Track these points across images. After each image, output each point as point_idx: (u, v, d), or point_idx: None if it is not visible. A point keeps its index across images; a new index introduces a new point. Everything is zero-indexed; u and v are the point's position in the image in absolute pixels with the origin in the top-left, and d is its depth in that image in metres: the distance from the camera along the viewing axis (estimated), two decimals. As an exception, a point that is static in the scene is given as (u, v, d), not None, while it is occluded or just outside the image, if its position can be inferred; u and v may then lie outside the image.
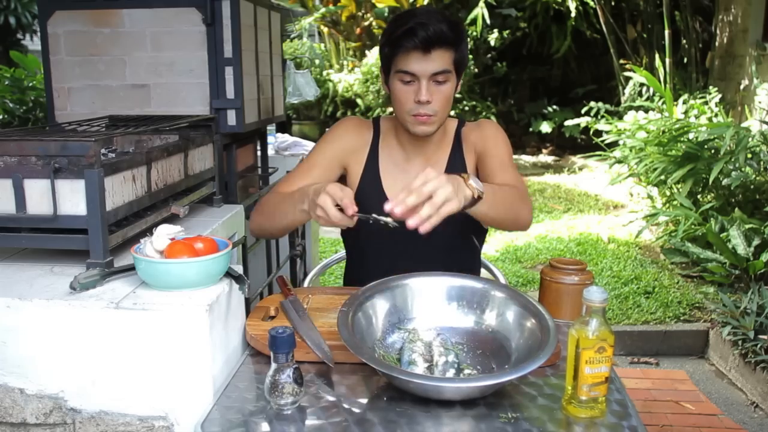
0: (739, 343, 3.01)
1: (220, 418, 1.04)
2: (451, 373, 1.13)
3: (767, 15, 5.91)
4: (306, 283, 2.00)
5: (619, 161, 5.33)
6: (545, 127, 8.70)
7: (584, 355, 1.02)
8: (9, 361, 1.13)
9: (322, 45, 9.40)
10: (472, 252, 1.76)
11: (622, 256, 4.36)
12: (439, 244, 1.59)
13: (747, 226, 3.56)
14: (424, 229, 1.17)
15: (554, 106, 8.92)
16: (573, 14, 7.77)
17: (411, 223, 1.16)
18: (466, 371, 1.16)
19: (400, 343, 1.22)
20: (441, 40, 1.47)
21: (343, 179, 1.71)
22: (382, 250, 1.66)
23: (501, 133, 1.70)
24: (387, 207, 1.18)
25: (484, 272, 1.98)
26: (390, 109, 7.98)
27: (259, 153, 2.74)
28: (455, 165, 1.66)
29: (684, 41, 7.02)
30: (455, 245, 1.67)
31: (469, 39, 8.41)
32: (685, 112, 5.53)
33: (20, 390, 1.14)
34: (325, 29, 9.20)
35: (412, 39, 1.47)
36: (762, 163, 4.04)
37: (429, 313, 1.29)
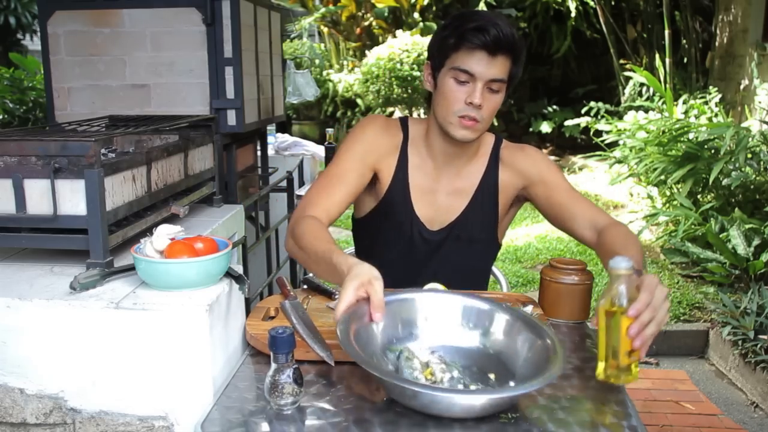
0: (739, 343, 3.01)
1: (220, 418, 1.04)
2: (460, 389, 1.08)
3: (767, 15, 5.91)
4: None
5: (619, 161, 5.33)
6: (545, 127, 8.70)
7: (625, 321, 1.06)
8: (9, 361, 1.13)
9: (322, 45, 9.41)
10: (486, 266, 1.74)
11: (622, 256, 4.36)
12: (456, 263, 1.57)
13: (747, 226, 3.56)
14: (646, 348, 1.08)
15: (554, 106, 8.92)
16: (573, 14, 7.77)
17: (637, 343, 1.06)
18: (473, 387, 1.10)
19: (393, 362, 1.14)
20: (509, 46, 1.42)
21: (371, 183, 1.60)
22: (395, 261, 1.57)
23: (548, 158, 1.64)
24: (632, 332, 1.06)
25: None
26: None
27: (259, 153, 2.74)
28: (488, 183, 1.59)
29: (684, 41, 7.02)
30: (473, 262, 1.64)
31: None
32: (685, 112, 5.54)
33: (20, 390, 1.14)
34: (325, 29, 9.20)
35: (482, 36, 1.40)
36: (762, 163, 4.04)
37: (421, 332, 1.22)
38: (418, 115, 8.02)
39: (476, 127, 1.47)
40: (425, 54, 1.67)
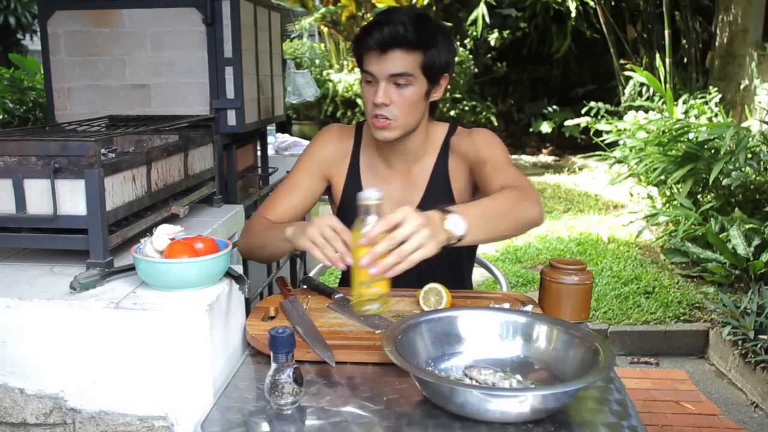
0: (739, 343, 3.01)
1: (220, 418, 1.04)
2: None
3: (767, 15, 5.91)
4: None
5: (619, 161, 5.33)
6: (545, 127, 8.70)
7: (357, 253, 1.07)
8: (9, 361, 1.13)
9: (322, 45, 9.40)
10: (463, 256, 1.72)
11: (622, 256, 4.36)
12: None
13: (747, 226, 3.56)
14: (389, 275, 1.10)
15: (554, 106, 8.93)
16: (573, 14, 7.77)
17: (372, 271, 1.08)
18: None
19: (448, 373, 1.16)
20: (397, 41, 1.42)
21: (328, 192, 1.68)
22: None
23: (494, 137, 1.61)
24: (363, 262, 1.10)
25: (483, 272, 1.99)
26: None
27: (259, 153, 2.74)
28: (439, 174, 1.60)
29: (684, 41, 7.02)
30: (444, 251, 1.65)
31: (468, 39, 8.49)
32: (685, 112, 5.54)
33: (20, 390, 1.14)
34: (325, 29, 9.19)
35: (367, 39, 1.44)
36: (762, 163, 4.04)
37: (464, 348, 1.22)
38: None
39: (389, 126, 1.49)
40: None
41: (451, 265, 1.66)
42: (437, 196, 1.59)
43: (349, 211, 1.63)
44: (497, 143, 1.58)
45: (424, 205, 1.59)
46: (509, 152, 1.63)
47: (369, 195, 1.09)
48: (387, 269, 1.08)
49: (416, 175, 1.61)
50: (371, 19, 1.50)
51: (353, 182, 1.63)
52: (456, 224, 1.17)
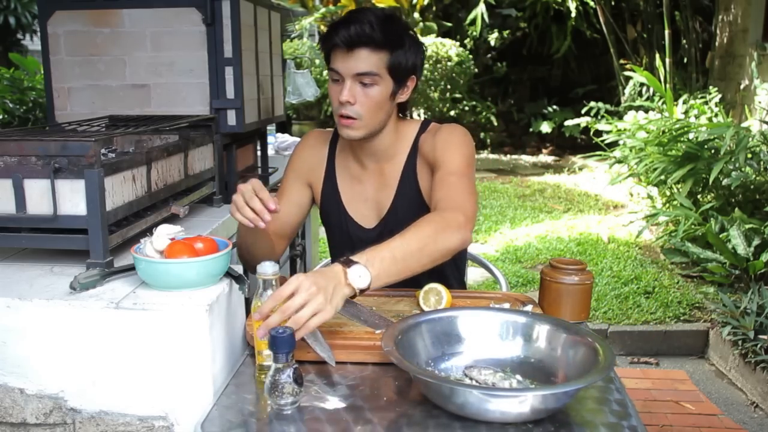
0: (739, 343, 3.01)
1: (220, 418, 1.04)
2: None
3: (767, 15, 5.91)
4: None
5: (619, 161, 5.33)
6: (545, 127, 8.70)
7: (256, 323, 1.10)
8: (9, 361, 1.13)
9: (322, 45, 9.39)
10: (446, 264, 1.71)
11: (622, 256, 4.36)
12: None
13: (747, 226, 3.56)
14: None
15: (554, 106, 8.92)
16: (573, 14, 7.78)
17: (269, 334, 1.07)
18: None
19: (448, 374, 1.16)
20: (363, 40, 1.42)
21: (314, 197, 1.70)
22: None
23: (457, 137, 1.54)
24: (255, 318, 1.12)
25: (483, 272, 1.99)
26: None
27: (259, 153, 2.74)
28: (408, 172, 1.59)
29: (684, 41, 7.02)
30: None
31: (468, 39, 8.49)
32: (685, 112, 5.54)
33: (20, 390, 1.14)
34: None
35: (334, 36, 1.44)
36: (762, 163, 4.04)
37: (464, 348, 1.22)
38: (418, 115, 8.03)
39: (354, 125, 1.49)
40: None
41: (445, 270, 1.65)
42: (407, 195, 1.60)
43: (328, 214, 1.67)
44: (458, 144, 1.52)
45: (395, 205, 1.61)
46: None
47: (264, 269, 1.13)
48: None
49: (388, 174, 1.62)
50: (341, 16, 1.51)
51: (330, 184, 1.65)
52: (359, 276, 1.16)
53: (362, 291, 1.17)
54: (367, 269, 1.16)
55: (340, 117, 1.49)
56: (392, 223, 1.59)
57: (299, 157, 1.69)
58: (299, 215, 1.68)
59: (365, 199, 1.64)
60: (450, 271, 1.70)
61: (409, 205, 1.59)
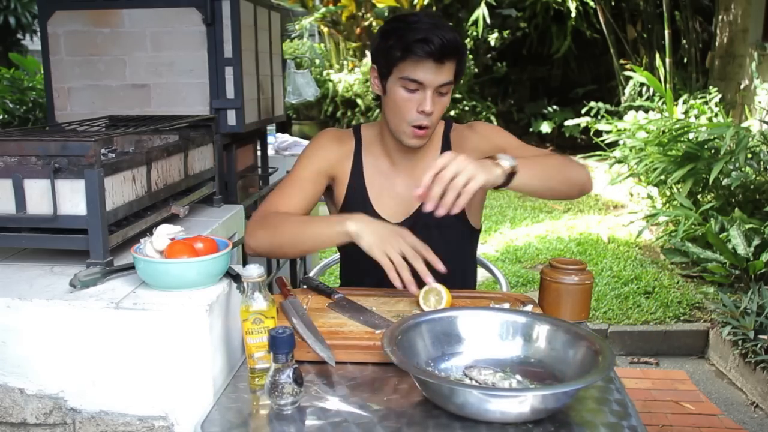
0: (739, 343, 3.01)
1: (220, 418, 1.04)
2: None
3: (767, 15, 5.91)
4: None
5: (619, 161, 5.33)
6: (545, 127, 8.70)
7: (244, 326, 1.11)
8: (9, 361, 1.13)
9: (322, 45, 9.41)
10: (466, 254, 1.74)
11: (622, 256, 4.36)
12: (433, 248, 1.57)
13: (747, 226, 3.56)
14: (453, 212, 1.22)
15: (554, 106, 8.92)
16: (573, 14, 7.77)
17: (440, 211, 1.22)
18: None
19: (448, 374, 1.16)
20: (454, 51, 1.44)
21: (328, 191, 1.69)
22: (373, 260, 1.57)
23: (497, 126, 1.70)
24: (417, 192, 1.24)
25: (483, 272, 1.99)
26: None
27: (259, 153, 2.74)
28: None
29: (684, 41, 7.02)
30: (450, 249, 1.65)
31: (468, 39, 8.49)
32: (685, 112, 5.54)
33: (20, 390, 1.14)
34: (325, 29, 9.20)
35: (427, 47, 1.41)
36: (762, 163, 4.04)
37: (464, 348, 1.21)
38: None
39: (427, 134, 1.53)
40: None
41: (456, 263, 1.66)
42: None
43: (352, 209, 1.64)
44: (505, 131, 1.69)
45: None
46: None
47: (250, 273, 1.13)
48: (449, 206, 1.21)
49: (421, 170, 1.60)
50: (404, 23, 1.48)
51: (357, 181, 1.65)
52: (507, 159, 1.29)
53: (510, 176, 1.29)
54: (512, 158, 1.30)
55: (416, 128, 1.49)
56: (424, 217, 1.57)
57: (322, 149, 1.66)
58: (311, 205, 1.68)
59: (394, 195, 1.64)
60: (470, 270, 1.78)
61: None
